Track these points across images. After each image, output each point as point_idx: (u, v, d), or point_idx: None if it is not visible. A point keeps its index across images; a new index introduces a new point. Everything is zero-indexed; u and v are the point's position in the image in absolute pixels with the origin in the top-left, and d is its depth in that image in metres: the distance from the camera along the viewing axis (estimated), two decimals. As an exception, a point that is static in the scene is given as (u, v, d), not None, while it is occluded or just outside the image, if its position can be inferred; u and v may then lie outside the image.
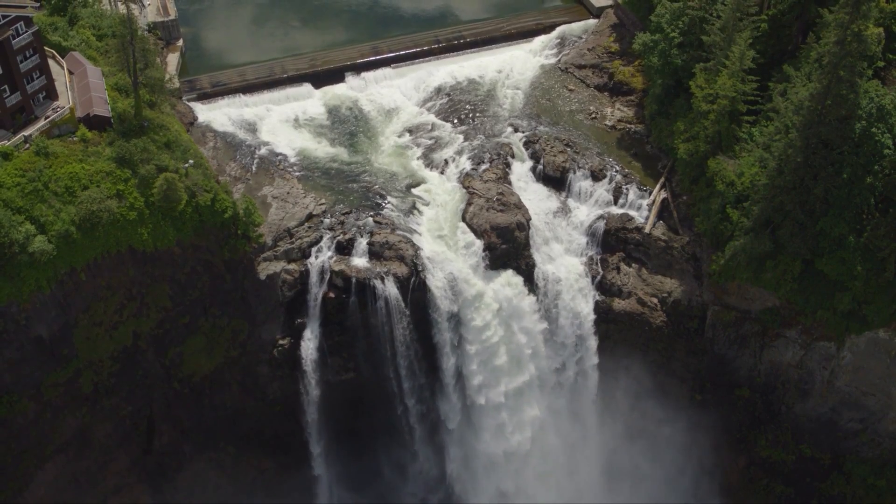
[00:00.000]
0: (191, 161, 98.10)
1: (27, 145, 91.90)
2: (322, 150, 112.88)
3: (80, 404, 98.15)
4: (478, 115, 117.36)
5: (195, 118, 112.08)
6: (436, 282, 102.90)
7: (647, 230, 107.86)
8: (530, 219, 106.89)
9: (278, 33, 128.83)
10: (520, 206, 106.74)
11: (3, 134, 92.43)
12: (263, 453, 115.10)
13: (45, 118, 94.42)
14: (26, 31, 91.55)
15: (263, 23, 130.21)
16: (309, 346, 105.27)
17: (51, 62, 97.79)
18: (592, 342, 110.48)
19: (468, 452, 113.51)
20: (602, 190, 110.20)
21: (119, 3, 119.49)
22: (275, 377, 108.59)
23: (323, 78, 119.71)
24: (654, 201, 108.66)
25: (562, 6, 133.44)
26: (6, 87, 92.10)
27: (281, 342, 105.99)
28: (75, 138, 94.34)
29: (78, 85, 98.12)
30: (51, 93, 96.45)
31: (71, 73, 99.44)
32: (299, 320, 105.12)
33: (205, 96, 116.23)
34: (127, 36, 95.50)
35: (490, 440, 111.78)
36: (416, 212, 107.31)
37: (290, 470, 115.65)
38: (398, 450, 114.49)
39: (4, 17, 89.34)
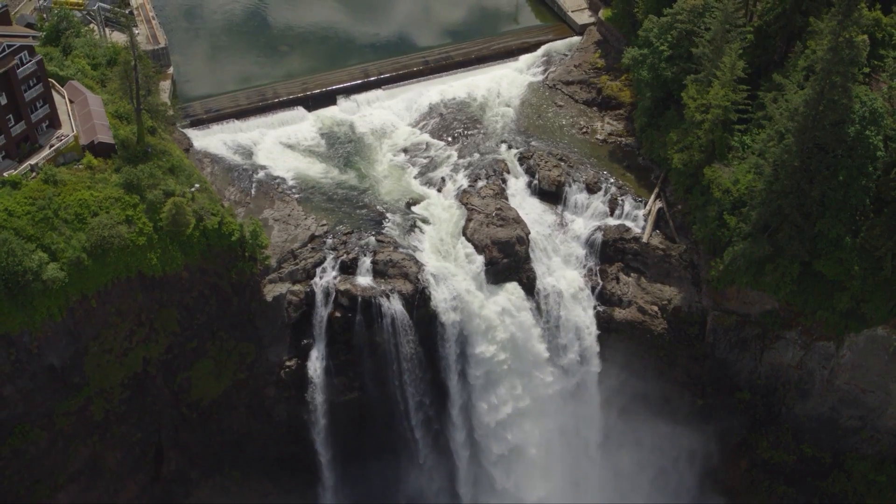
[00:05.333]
0: (196, 185, 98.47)
1: (34, 174, 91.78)
2: (319, 172, 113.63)
3: (92, 432, 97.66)
4: (471, 133, 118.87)
5: (190, 144, 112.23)
6: (440, 297, 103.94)
7: (644, 240, 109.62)
8: (529, 232, 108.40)
9: (265, 60, 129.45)
10: (518, 221, 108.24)
11: (10, 164, 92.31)
12: (268, 477, 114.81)
13: (50, 146, 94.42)
14: (30, 61, 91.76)
15: (250, 50, 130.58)
16: (315, 366, 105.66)
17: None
18: (594, 351, 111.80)
19: (476, 468, 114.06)
20: (598, 202, 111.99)
21: (109, 32, 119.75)
22: (281, 399, 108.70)
23: (315, 101, 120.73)
24: (649, 211, 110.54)
25: (544, 25, 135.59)
26: (11, 116, 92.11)
27: (288, 363, 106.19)
28: (81, 165, 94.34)
29: (79, 113, 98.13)
30: (54, 121, 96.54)
31: (71, 101, 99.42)
32: (306, 341, 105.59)
33: (198, 122, 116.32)
34: (131, 62, 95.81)
35: (497, 452, 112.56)
36: (417, 229, 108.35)
37: (295, 493, 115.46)
38: (405, 467, 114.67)
39: (9, 46, 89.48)
